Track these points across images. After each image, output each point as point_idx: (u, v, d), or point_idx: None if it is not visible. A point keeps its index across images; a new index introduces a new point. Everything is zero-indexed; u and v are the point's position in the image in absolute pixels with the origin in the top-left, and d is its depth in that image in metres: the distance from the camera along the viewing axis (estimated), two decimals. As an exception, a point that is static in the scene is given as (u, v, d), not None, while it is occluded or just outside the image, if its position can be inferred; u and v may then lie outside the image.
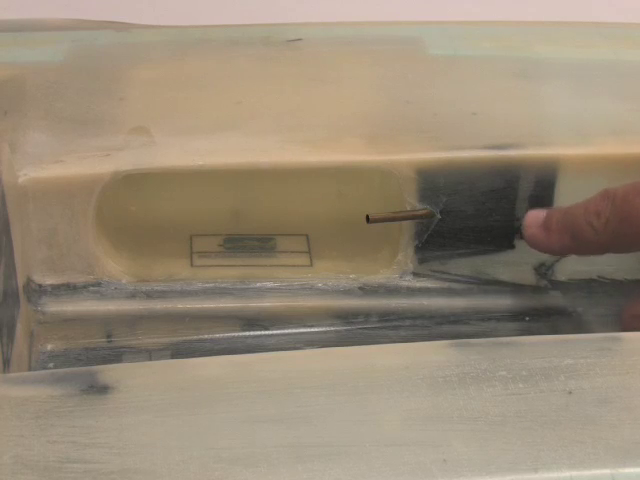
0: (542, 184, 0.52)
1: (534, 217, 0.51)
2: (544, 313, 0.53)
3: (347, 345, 0.46)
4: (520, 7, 0.66)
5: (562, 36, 0.61)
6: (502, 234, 0.53)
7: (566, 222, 0.50)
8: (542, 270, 0.54)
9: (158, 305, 0.52)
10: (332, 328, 0.53)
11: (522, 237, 0.52)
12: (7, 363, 0.46)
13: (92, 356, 0.52)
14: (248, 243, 0.54)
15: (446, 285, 0.54)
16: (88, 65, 0.58)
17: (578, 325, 0.53)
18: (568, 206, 0.50)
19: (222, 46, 0.60)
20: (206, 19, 0.62)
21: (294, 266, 0.54)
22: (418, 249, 0.53)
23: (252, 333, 0.53)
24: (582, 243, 0.49)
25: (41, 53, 0.58)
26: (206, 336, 0.53)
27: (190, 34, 0.61)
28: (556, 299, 0.54)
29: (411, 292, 0.54)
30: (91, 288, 0.52)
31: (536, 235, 0.51)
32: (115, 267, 0.52)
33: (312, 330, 0.53)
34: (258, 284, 0.53)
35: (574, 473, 0.39)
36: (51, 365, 0.51)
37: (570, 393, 0.41)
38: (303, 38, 0.60)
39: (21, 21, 0.62)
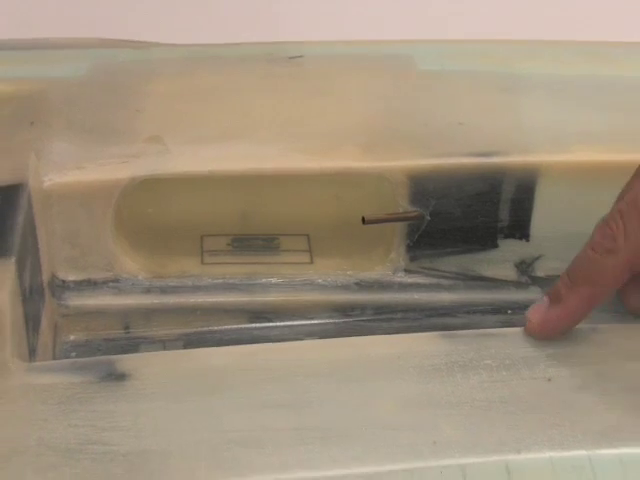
0: (523, 188, 0.52)
1: (536, 307, 0.44)
2: (525, 306, 0.52)
3: (345, 336, 0.46)
4: (503, 27, 0.66)
5: (542, 53, 0.61)
6: (486, 234, 0.53)
7: (577, 274, 0.43)
8: (523, 267, 0.54)
9: (171, 299, 0.52)
10: (331, 320, 0.53)
11: (536, 338, 0.43)
12: (33, 353, 0.46)
13: (111, 346, 0.51)
14: (254, 243, 0.54)
15: (435, 281, 0.54)
16: (107, 80, 0.58)
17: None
18: (568, 266, 0.44)
19: (230, 62, 0.60)
20: (215, 38, 0.62)
21: (296, 263, 0.54)
22: (409, 248, 0.53)
23: (257, 325, 0.53)
24: (604, 280, 0.42)
25: (65, 69, 0.58)
26: (215, 328, 0.53)
27: (201, 52, 0.61)
28: (536, 294, 0.53)
29: (403, 287, 0.53)
30: (110, 284, 0.52)
31: (548, 319, 0.43)
32: (132, 264, 0.52)
33: (312, 322, 0.53)
34: (263, 280, 0.53)
35: (553, 454, 0.38)
36: (73, 354, 0.51)
37: (549, 380, 0.41)
38: (304, 55, 0.60)
39: (47, 40, 0.62)
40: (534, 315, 0.43)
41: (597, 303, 0.43)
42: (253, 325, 0.53)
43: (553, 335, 0.43)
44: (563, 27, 0.65)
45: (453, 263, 0.54)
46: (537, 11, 0.81)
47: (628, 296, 0.46)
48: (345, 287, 0.53)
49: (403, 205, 0.52)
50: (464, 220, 0.53)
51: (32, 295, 0.46)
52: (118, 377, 0.41)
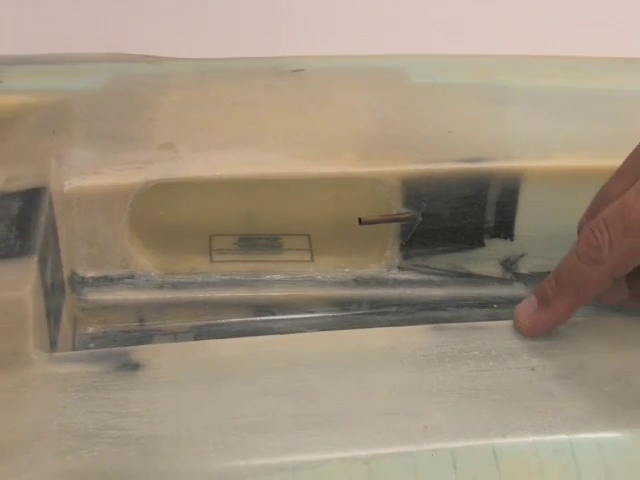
0: (508, 192, 0.52)
1: (525, 307, 0.43)
2: (510, 301, 0.53)
3: (343, 329, 0.45)
4: (490, 43, 0.66)
5: (524, 67, 0.61)
6: (474, 234, 0.53)
7: (564, 280, 0.42)
8: (507, 264, 0.54)
9: (182, 294, 0.52)
10: (330, 314, 0.53)
11: (523, 335, 0.43)
12: (54, 344, 0.46)
13: (126, 338, 0.51)
14: (259, 242, 0.53)
15: (426, 277, 0.53)
16: (123, 92, 0.57)
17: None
18: (554, 270, 0.43)
19: (237, 75, 0.60)
20: (223, 53, 0.61)
21: (297, 261, 0.53)
22: (403, 247, 0.53)
23: (262, 318, 0.52)
24: (589, 288, 0.42)
25: (84, 81, 0.58)
26: (223, 321, 0.52)
27: (210, 65, 0.61)
28: (519, 289, 0.53)
29: (397, 283, 0.53)
30: (126, 280, 0.51)
31: (537, 321, 0.43)
32: (146, 262, 0.52)
33: (313, 316, 0.53)
34: (267, 277, 0.53)
35: (536, 438, 0.38)
36: (92, 345, 0.51)
37: (533, 370, 0.41)
38: (305, 68, 0.59)
39: (68, 55, 0.62)
40: (523, 316, 0.43)
41: (580, 306, 0.43)
42: (258, 318, 0.52)
43: (540, 335, 0.43)
44: (543, 44, 0.65)
45: (443, 261, 0.53)
46: (520, 29, 0.81)
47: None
48: (343, 283, 0.53)
49: (397, 207, 0.52)
50: (453, 221, 0.52)
51: (53, 290, 0.46)
52: (132, 367, 0.41)
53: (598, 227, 0.41)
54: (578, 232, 0.45)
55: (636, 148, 0.44)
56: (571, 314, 0.43)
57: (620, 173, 0.44)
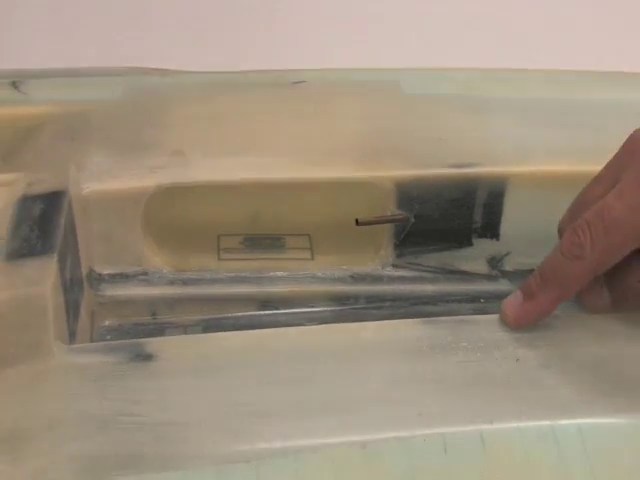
0: (493, 194, 0.52)
1: (511, 301, 0.43)
2: (496, 296, 0.53)
3: (341, 322, 0.45)
4: (476, 57, 0.65)
5: (510, 80, 0.61)
6: (462, 234, 0.53)
7: (548, 275, 0.42)
8: (494, 262, 0.54)
9: (192, 290, 0.51)
10: (329, 308, 0.52)
11: (510, 328, 0.42)
12: (73, 336, 0.45)
13: (140, 330, 0.51)
14: (263, 241, 0.53)
15: (419, 274, 0.53)
16: (138, 102, 0.57)
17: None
18: (538, 267, 0.43)
19: (243, 87, 0.59)
20: (230, 66, 0.61)
21: (299, 259, 0.53)
22: (397, 246, 0.53)
23: (266, 312, 0.52)
24: (571, 283, 0.42)
25: (102, 93, 0.57)
26: (230, 315, 0.52)
27: (218, 78, 0.61)
28: (505, 285, 0.53)
29: (391, 280, 0.53)
30: (139, 276, 0.51)
31: (521, 313, 0.42)
32: (158, 260, 0.52)
33: (313, 310, 0.52)
34: (271, 274, 0.52)
35: (521, 424, 0.38)
36: (108, 337, 0.50)
37: (518, 360, 0.41)
38: (305, 81, 0.59)
39: (87, 69, 0.62)
40: (509, 309, 0.43)
41: (563, 300, 0.42)
42: (262, 312, 0.52)
43: (525, 326, 0.42)
44: (526, 58, 0.65)
45: (434, 259, 0.53)
46: (505, 45, 0.81)
47: (585, 295, 0.44)
48: (341, 280, 0.53)
49: (391, 209, 0.51)
50: (443, 222, 0.52)
51: (72, 286, 0.46)
52: (146, 357, 0.40)
53: (580, 226, 0.41)
54: (559, 232, 0.45)
55: (615, 155, 0.43)
56: (554, 307, 0.42)
57: (599, 178, 0.44)
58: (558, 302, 0.42)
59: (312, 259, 0.53)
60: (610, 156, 0.44)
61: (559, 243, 0.42)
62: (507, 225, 0.53)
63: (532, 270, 0.43)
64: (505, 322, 0.43)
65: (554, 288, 0.42)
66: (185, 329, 0.51)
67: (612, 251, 0.41)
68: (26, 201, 0.46)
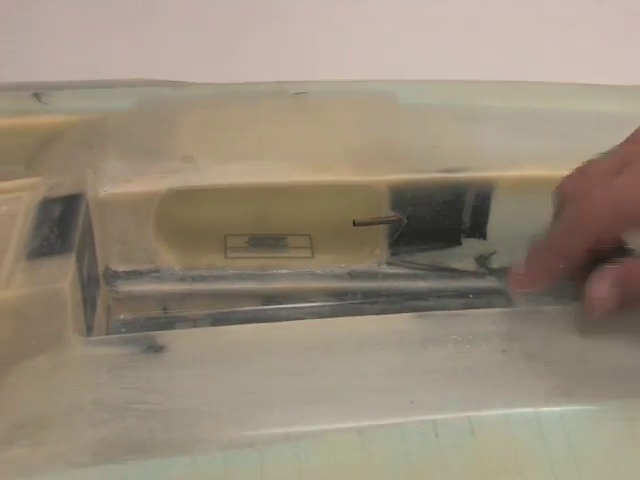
0: (481, 197, 0.51)
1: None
2: (483, 292, 0.52)
3: (339, 316, 0.45)
4: (467, 69, 0.65)
5: (497, 91, 0.60)
6: (452, 234, 0.52)
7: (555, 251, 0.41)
8: (481, 260, 0.53)
9: (201, 286, 0.51)
10: (328, 303, 0.52)
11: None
12: (90, 329, 0.45)
13: (152, 324, 0.50)
14: (267, 241, 0.53)
15: (411, 272, 0.53)
16: (152, 112, 0.57)
17: (508, 301, 0.51)
18: (543, 241, 0.41)
19: (249, 98, 0.59)
20: (237, 78, 0.61)
21: (300, 258, 0.52)
22: (391, 245, 0.52)
23: (269, 307, 0.52)
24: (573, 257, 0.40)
25: (118, 103, 0.57)
26: (236, 309, 0.52)
27: (225, 89, 0.60)
28: (492, 282, 0.53)
29: (386, 277, 0.52)
30: (152, 274, 0.51)
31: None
32: (169, 258, 0.51)
33: (313, 305, 0.52)
34: (274, 271, 0.52)
35: (507, 411, 0.38)
36: (123, 330, 0.50)
37: (504, 352, 0.41)
38: (307, 91, 0.59)
39: (104, 81, 0.62)
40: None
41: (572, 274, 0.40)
42: (266, 307, 0.52)
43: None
44: (513, 70, 0.65)
45: (426, 257, 0.53)
46: (493, 58, 0.81)
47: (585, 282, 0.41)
48: (339, 277, 0.52)
49: (386, 211, 0.51)
50: (434, 223, 0.52)
51: (89, 283, 0.46)
52: (157, 349, 0.40)
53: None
54: (554, 196, 0.44)
55: (629, 136, 0.42)
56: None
57: (611, 155, 0.42)
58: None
59: (312, 257, 0.53)
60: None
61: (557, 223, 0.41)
62: (494, 226, 0.52)
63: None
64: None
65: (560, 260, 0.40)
66: (194, 322, 0.51)
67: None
68: (47, 203, 0.46)
